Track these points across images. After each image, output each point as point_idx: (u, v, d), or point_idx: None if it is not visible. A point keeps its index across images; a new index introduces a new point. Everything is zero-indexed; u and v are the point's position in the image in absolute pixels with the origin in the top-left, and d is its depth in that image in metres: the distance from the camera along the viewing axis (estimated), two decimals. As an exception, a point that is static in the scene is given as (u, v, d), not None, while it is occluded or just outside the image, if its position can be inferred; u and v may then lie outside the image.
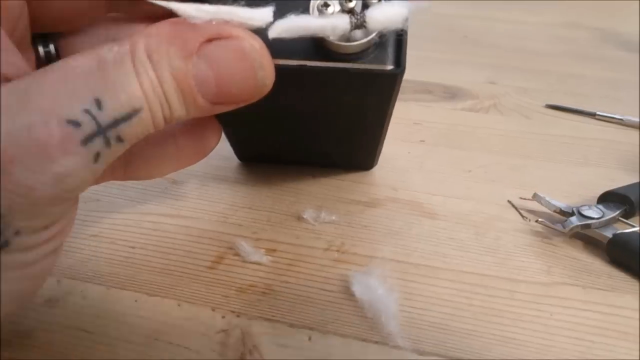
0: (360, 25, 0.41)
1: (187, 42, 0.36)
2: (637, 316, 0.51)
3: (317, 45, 0.44)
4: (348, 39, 0.43)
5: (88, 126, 0.33)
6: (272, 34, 0.40)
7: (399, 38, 0.45)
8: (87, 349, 0.47)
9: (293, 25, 0.40)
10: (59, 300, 0.51)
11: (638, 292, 0.53)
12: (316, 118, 0.55)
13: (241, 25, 0.38)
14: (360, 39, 0.43)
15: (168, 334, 0.48)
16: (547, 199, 0.62)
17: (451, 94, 0.92)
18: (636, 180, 0.66)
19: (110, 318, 0.50)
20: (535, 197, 0.63)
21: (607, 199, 0.63)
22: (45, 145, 0.32)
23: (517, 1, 1.39)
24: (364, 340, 0.48)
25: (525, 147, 0.77)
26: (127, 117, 0.34)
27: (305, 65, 0.44)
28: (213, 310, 0.50)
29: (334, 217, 0.61)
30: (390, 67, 0.45)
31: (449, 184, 0.68)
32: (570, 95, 0.92)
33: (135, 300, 0.51)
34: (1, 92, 0.32)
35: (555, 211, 0.62)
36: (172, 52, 0.35)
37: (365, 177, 0.68)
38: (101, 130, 0.34)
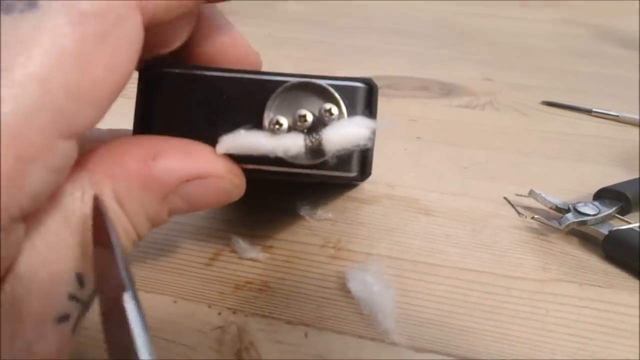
0: (315, 147, 0.38)
1: (163, 186, 0.35)
2: (633, 313, 0.51)
3: None
4: (301, 156, 0.39)
5: (75, 312, 0.32)
6: (220, 149, 0.38)
7: (364, 151, 0.43)
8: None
9: (242, 143, 0.38)
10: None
11: (634, 289, 0.53)
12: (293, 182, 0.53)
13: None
14: (317, 158, 0.40)
15: (164, 331, 0.48)
16: (543, 195, 0.62)
17: (447, 90, 0.92)
18: (632, 177, 0.66)
19: (107, 315, 0.50)
20: (531, 193, 0.63)
21: (603, 195, 0.63)
22: (44, 354, 0.31)
23: (514, -2, 1.39)
24: (360, 336, 0.48)
25: (521, 143, 0.77)
26: None
27: (262, 170, 0.41)
28: (209, 307, 0.50)
29: (330, 214, 0.61)
30: (353, 174, 0.43)
31: (445, 180, 0.68)
32: (567, 92, 0.92)
33: (131, 297, 0.51)
34: None
35: (551, 208, 0.62)
36: (146, 197, 0.34)
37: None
38: (86, 307, 0.33)
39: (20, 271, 0.30)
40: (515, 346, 0.47)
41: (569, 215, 0.59)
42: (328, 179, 0.42)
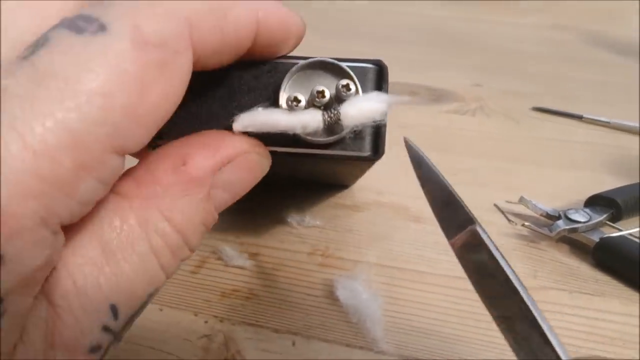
0: (334, 122, 0.38)
1: (202, 185, 0.34)
2: (624, 321, 0.50)
3: None
4: (319, 133, 0.39)
5: (107, 343, 0.31)
6: (237, 127, 0.37)
7: (377, 128, 0.42)
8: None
9: (259, 121, 0.37)
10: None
11: (625, 296, 0.53)
12: (296, 172, 0.55)
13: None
14: (332, 135, 0.39)
15: (150, 339, 0.48)
16: (534, 202, 0.62)
17: (437, 96, 0.92)
18: (623, 184, 0.66)
19: (91, 323, 0.49)
20: (521, 200, 0.62)
21: (594, 202, 0.62)
22: None
23: (505, 2, 1.39)
24: (348, 345, 0.47)
25: (511, 150, 0.77)
26: (143, 307, 0.33)
27: (276, 152, 0.40)
28: (195, 315, 0.50)
29: (318, 221, 0.60)
30: (367, 153, 0.42)
31: (435, 187, 0.67)
32: (558, 98, 0.92)
33: (117, 305, 0.51)
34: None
35: (541, 215, 0.61)
36: (194, 203, 0.34)
37: (350, 180, 0.67)
38: (117, 338, 0.32)
39: (56, 295, 0.29)
40: (505, 354, 0.46)
41: (560, 223, 0.59)
42: (341, 160, 0.42)
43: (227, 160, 0.36)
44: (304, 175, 0.58)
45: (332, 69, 0.40)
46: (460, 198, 0.36)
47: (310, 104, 0.38)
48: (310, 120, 0.37)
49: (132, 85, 0.28)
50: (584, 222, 0.59)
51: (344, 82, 0.38)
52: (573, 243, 0.59)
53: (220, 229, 0.59)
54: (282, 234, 0.59)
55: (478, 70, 1.03)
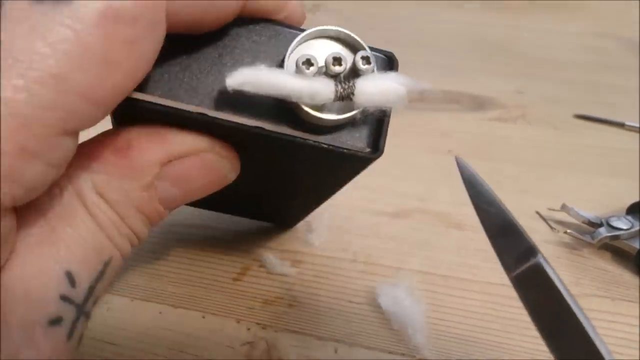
0: (346, 97, 0.33)
1: (143, 171, 0.33)
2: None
3: (280, 103, 0.35)
4: (324, 109, 0.35)
5: (69, 315, 0.30)
6: (231, 83, 0.32)
7: (381, 118, 0.37)
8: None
9: (262, 80, 0.32)
10: (83, 312, 0.51)
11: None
12: (262, 176, 0.46)
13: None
14: (341, 113, 0.35)
15: (193, 347, 0.48)
16: (576, 209, 0.61)
17: (479, 103, 0.92)
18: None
19: (134, 330, 0.49)
20: (563, 207, 0.62)
21: (636, 209, 0.62)
22: None
23: (547, 9, 1.38)
24: (390, 352, 0.47)
25: (553, 157, 0.77)
26: (100, 276, 0.32)
27: (262, 129, 0.35)
28: (238, 322, 0.50)
29: (360, 229, 0.60)
30: (366, 149, 0.37)
31: (477, 194, 0.67)
32: (599, 105, 0.91)
33: (160, 312, 0.51)
34: None
35: (583, 222, 0.61)
36: (129, 187, 0.33)
37: (392, 187, 0.67)
38: (81, 311, 0.31)
39: (5, 270, 0.29)
40: (547, 362, 0.46)
41: (602, 230, 0.58)
42: (332, 155, 0.37)
43: (177, 154, 0.34)
44: (273, 184, 0.49)
45: (349, 42, 0.36)
46: (519, 224, 0.35)
47: (320, 74, 0.33)
48: (321, 89, 0.33)
49: (94, 64, 0.26)
50: (626, 230, 0.58)
51: (364, 53, 0.34)
52: (615, 250, 0.59)
53: (262, 237, 0.59)
54: (324, 242, 0.59)
55: (520, 78, 1.03)
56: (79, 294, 0.31)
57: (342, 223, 0.61)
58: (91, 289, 0.31)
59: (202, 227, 0.61)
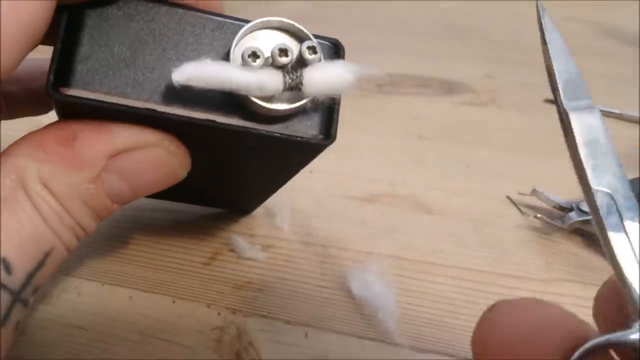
0: (295, 87, 0.33)
1: (89, 164, 0.33)
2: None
3: (229, 95, 0.34)
4: (274, 99, 0.35)
5: (5, 302, 0.30)
6: (178, 78, 0.32)
7: (331, 105, 0.37)
8: (82, 346, 0.46)
9: (209, 74, 0.32)
10: (53, 297, 0.50)
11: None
12: (215, 166, 0.46)
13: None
14: (291, 103, 0.35)
15: (163, 331, 0.48)
16: (546, 194, 0.61)
17: (449, 88, 0.92)
18: (635, 176, 0.66)
19: (105, 315, 0.49)
20: (534, 192, 0.62)
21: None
22: None
23: (516, -5, 1.39)
24: (360, 337, 0.47)
25: (523, 141, 0.77)
26: (39, 266, 0.32)
27: (213, 122, 0.35)
28: (208, 307, 0.50)
29: (331, 213, 0.60)
30: (319, 136, 0.37)
31: (447, 179, 0.67)
32: (570, 90, 0.92)
33: (130, 297, 0.51)
34: None
35: (554, 206, 0.61)
36: (75, 179, 0.32)
37: (362, 171, 0.67)
38: (17, 298, 0.31)
39: None
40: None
41: (572, 214, 0.59)
42: (285, 144, 0.37)
43: (124, 147, 0.34)
44: (227, 174, 0.49)
45: (293, 32, 0.36)
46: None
47: (267, 65, 0.34)
48: (268, 81, 0.33)
49: None
50: (597, 214, 0.58)
51: (310, 43, 0.34)
52: (586, 235, 0.59)
53: (233, 221, 0.59)
54: (294, 226, 0.59)
55: (490, 62, 1.03)
56: (14, 281, 0.30)
57: (312, 208, 0.61)
58: (29, 277, 0.31)
59: (173, 211, 0.60)
